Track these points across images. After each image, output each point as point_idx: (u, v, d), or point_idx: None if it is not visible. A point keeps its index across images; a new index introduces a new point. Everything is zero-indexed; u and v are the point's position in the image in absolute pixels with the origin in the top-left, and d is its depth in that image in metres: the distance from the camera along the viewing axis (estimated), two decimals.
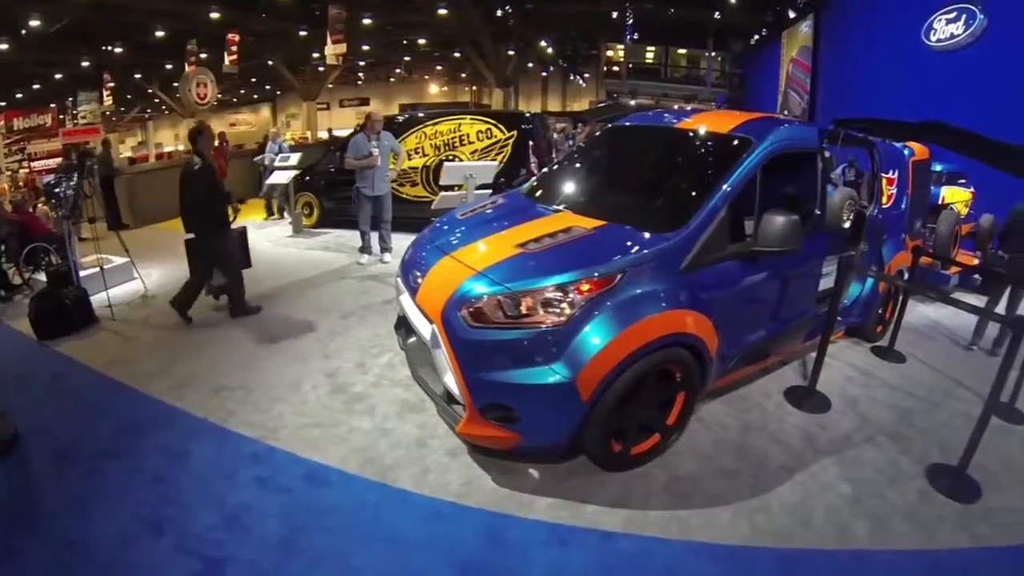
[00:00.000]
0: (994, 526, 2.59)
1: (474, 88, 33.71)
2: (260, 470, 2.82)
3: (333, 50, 18.14)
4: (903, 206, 4.65)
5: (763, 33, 21.17)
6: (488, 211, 3.58)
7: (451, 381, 2.62)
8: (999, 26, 8.80)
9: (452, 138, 7.81)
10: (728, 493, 2.71)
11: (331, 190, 8.35)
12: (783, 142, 3.21)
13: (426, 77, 35.82)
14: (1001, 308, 4.47)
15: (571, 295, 2.48)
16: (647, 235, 2.79)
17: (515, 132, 7.58)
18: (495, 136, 7.63)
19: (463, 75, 33.50)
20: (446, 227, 3.45)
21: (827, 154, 3.71)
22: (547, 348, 2.41)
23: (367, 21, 20.93)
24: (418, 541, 2.38)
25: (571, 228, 2.93)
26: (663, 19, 22.88)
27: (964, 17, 9.46)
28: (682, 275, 2.73)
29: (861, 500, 2.71)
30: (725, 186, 2.93)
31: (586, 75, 30.67)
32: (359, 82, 36.29)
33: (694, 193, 3.05)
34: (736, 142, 3.20)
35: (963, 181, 7.99)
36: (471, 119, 7.83)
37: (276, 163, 8.86)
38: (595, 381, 2.42)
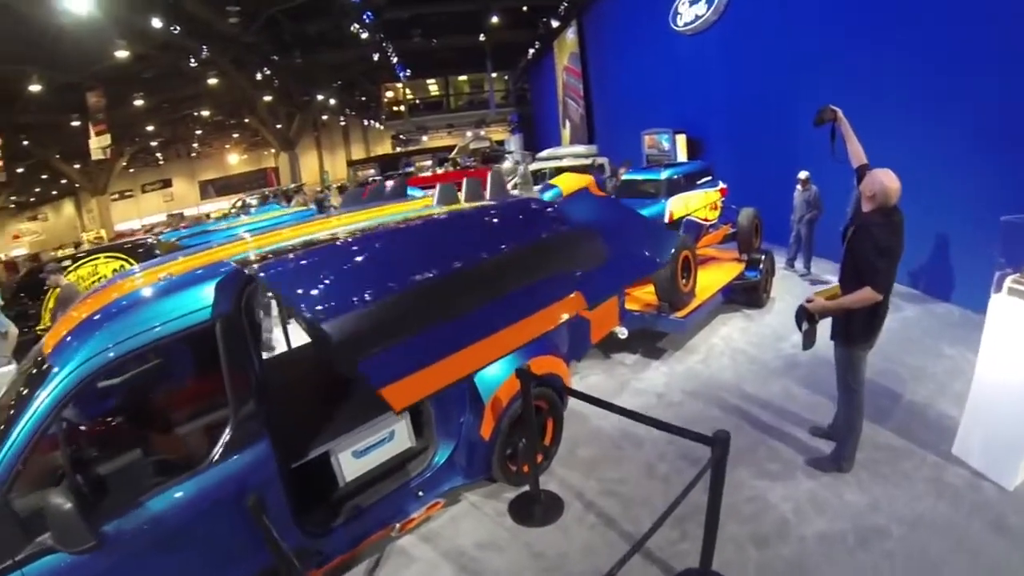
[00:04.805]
0: None
1: (273, 152, 33.08)
2: None
3: (98, 143, 16.64)
4: None
5: (536, 46, 21.78)
6: None
7: None
8: None
9: (92, 284, 7.36)
10: None
11: None
12: (110, 351, 2.03)
13: (227, 147, 33.92)
14: None
15: None
16: None
17: None
18: None
19: (260, 139, 32.66)
20: None
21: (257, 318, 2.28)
22: None
23: (139, 102, 19.51)
24: None
25: None
26: (431, 51, 23.10)
27: None
28: None
29: None
30: None
31: (383, 117, 30.53)
32: (160, 162, 33.69)
33: None
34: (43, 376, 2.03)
35: (707, 179, 6.42)
36: (105, 258, 6.97)
37: None
38: None
